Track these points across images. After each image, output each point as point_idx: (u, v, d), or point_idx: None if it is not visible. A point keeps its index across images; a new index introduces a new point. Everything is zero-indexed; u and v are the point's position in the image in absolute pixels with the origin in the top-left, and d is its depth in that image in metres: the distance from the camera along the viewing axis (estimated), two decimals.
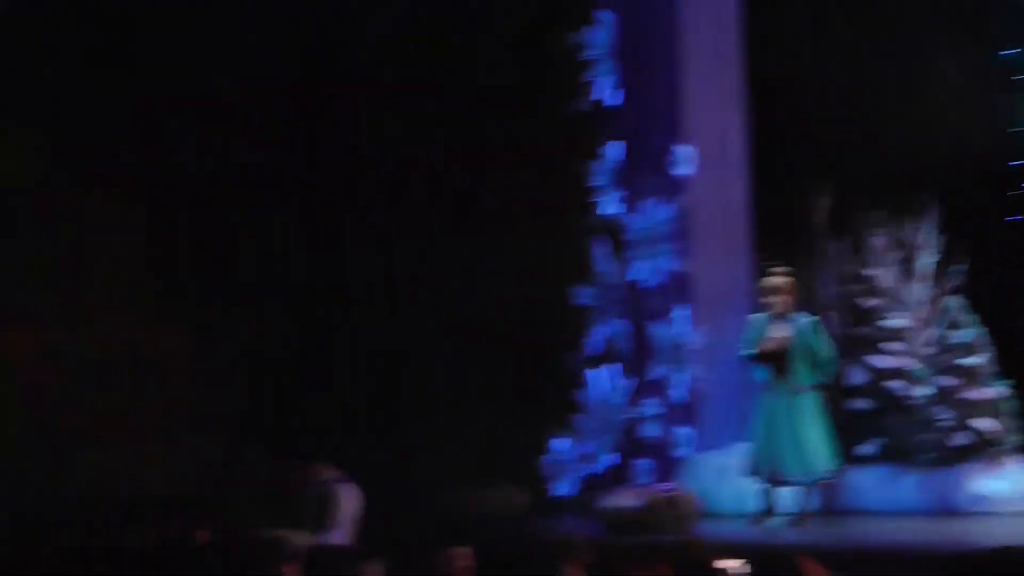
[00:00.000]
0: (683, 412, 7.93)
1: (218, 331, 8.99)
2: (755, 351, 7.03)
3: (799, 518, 6.84)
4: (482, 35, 9.44)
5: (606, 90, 8.33)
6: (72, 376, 8.52)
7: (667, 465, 7.85)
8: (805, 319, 7.12)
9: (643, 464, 7.93)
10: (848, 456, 7.39)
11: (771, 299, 7.07)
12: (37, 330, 8.54)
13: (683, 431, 7.89)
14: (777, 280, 7.14)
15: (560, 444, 8.46)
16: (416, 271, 9.54)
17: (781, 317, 7.02)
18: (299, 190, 9.74)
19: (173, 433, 8.78)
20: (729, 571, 2.83)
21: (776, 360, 6.94)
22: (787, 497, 7.01)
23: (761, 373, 7.05)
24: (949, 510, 7.22)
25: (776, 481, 6.99)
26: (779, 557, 2.84)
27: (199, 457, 8.48)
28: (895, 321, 7.82)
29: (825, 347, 7.11)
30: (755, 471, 7.04)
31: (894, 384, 7.71)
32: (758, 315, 7.23)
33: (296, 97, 9.66)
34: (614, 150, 8.26)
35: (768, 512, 6.93)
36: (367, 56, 9.68)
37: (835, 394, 7.52)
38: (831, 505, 7.37)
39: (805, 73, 8.51)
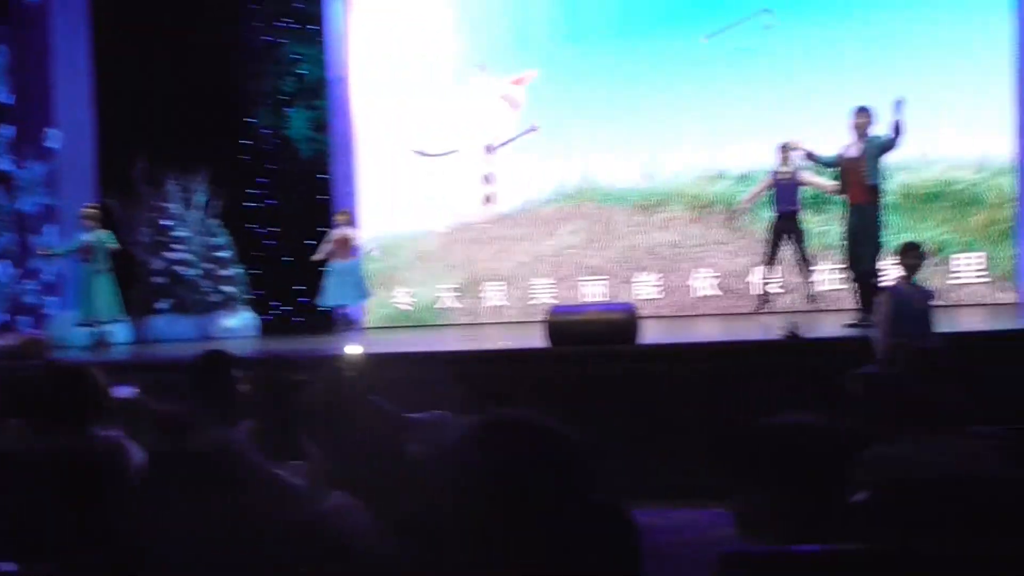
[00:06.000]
0: (51, 288, 12.55)
1: None
2: None
3: (104, 346, 10.87)
4: None
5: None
6: None
7: (39, 321, 12.34)
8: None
9: (24, 320, 12.31)
10: (152, 309, 12.51)
11: None
12: None
13: (51, 300, 12.56)
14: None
15: None
16: None
17: None
18: None
19: None
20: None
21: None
22: (110, 334, 11.18)
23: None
24: (209, 337, 12.30)
25: (94, 324, 10.93)
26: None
27: None
28: (180, 232, 12.92)
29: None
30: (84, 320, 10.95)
31: (179, 268, 12.78)
32: None
33: None
34: (7, 131, 12.71)
35: (99, 343, 10.89)
36: None
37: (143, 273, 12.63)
38: (144, 338, 12.24)
39: (138, 82, 12.72)
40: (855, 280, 8.42)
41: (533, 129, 13.21)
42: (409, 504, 2.22)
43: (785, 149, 10.08)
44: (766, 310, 10.22)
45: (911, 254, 6.10)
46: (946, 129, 10.79)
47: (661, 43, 12.36)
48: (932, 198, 10.93)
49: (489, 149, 13.61)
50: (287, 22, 14.43)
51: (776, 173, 10.15)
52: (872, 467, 2.31)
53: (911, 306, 5.96)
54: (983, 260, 10.93)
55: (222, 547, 2.48)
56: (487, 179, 13.61)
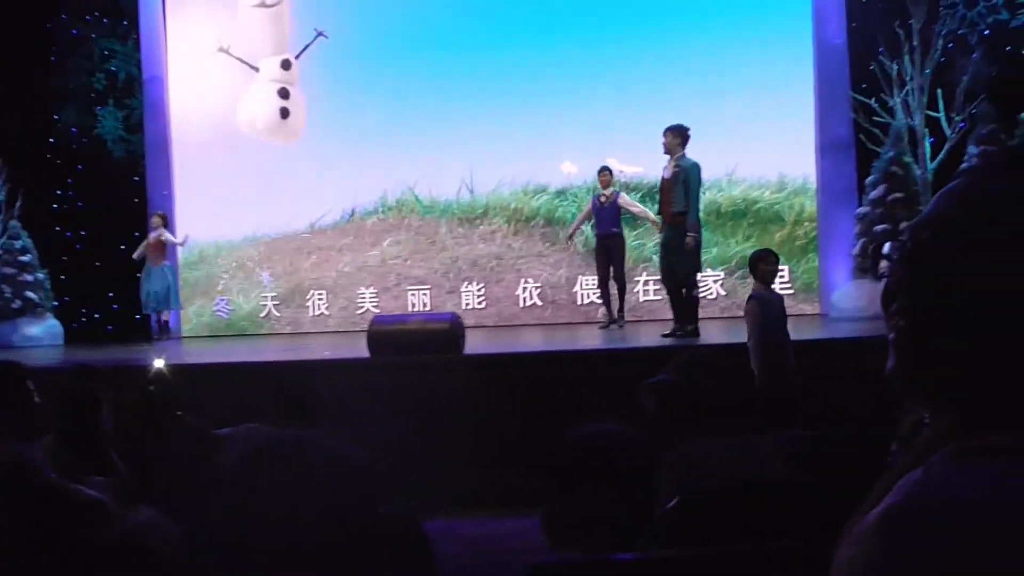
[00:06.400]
0: None
1: None
2: None
3: None
4: None
5: None
6: None
7: None
8: None
9: None
10: None
11: None
12: None
13: None
14: None
15: None
16: None
17: None
18: None
19: None
20: None
21: None
22: None
23: None
24: (10, 346, 11.70)
25: None
26: None
27: None
28: None
29: None
30: None
31: None
32: None
33: None
34: None
35: None
36: None
37: None
38: None
39: None
40: (669, 293, 8.68)
41: (321, 34, 13.22)
42: (215, 518, 2.15)
43: (604, 172, 10.33)
44: (605, 322, 10.31)
45: (768, 260, 6.26)
46: (748, 151, 11.37)
47: (482, 57, 12.50)
48: (737, 215, 11.48)
49: (286, 64, 13.41)
50: (98, 16, 13.83)
51: (597, 197, 10.37)
52: (670, 475, 2.38)
53: (776, 311, 6.13)
54: (785, 273, 11.55)
55: (16, 569, 2.34)
56: (282, 94, 13.35)
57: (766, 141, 11.42)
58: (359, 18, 13.14)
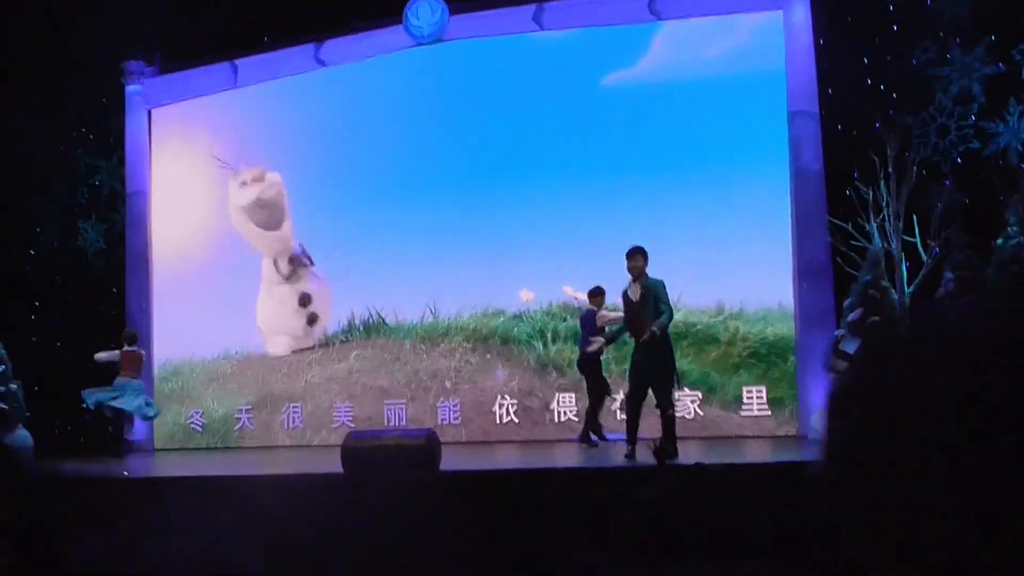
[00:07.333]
0: None
1: None
2: None
3: None
4: None
5: None
6: None
7: None
8: None
9: None
10: None
11: None
12: None
13: None
14: None
15: None
16: None
17: None
18: None
19: None
20: None
21: None
22: None
23: None
24: None
25: None
26: None
27: None
28: None
29: None
30: None
31: None
32: None
33: None
34: None
35: None
36: None
37: None
38: None
39: None
40: (629, 413, 8.48)
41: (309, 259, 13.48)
42: None
43: (598, 294, 10.34)
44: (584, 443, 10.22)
45: None
46: (689, 279, 11.41)
47: (445, 195, 12.81)
48: (679, 337, 11.41)
49: (302, 252, 13.54)
50: (83, 132, 14.02)
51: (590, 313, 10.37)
52: None
53: None
54: (763, 393, 11.52)
55: None
56: (304, 300, 13.48)
57: (708, 268, 11.67)
58: (329, 158, 13.51)
